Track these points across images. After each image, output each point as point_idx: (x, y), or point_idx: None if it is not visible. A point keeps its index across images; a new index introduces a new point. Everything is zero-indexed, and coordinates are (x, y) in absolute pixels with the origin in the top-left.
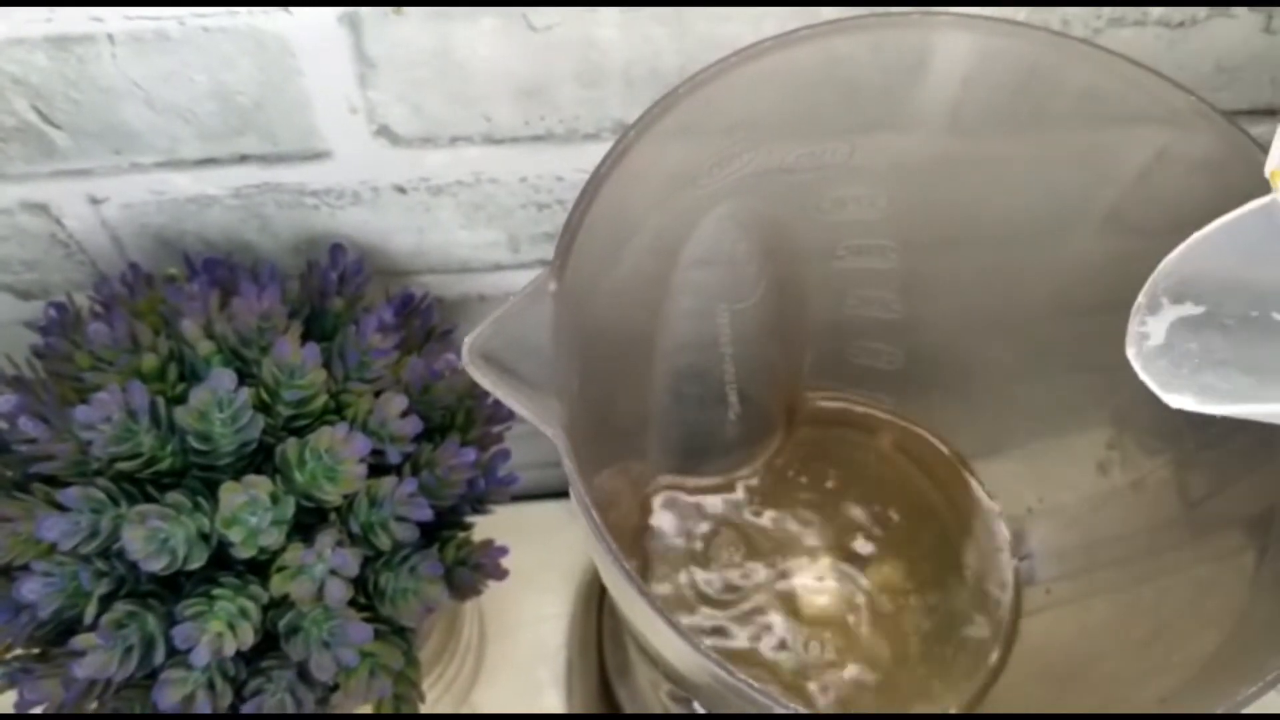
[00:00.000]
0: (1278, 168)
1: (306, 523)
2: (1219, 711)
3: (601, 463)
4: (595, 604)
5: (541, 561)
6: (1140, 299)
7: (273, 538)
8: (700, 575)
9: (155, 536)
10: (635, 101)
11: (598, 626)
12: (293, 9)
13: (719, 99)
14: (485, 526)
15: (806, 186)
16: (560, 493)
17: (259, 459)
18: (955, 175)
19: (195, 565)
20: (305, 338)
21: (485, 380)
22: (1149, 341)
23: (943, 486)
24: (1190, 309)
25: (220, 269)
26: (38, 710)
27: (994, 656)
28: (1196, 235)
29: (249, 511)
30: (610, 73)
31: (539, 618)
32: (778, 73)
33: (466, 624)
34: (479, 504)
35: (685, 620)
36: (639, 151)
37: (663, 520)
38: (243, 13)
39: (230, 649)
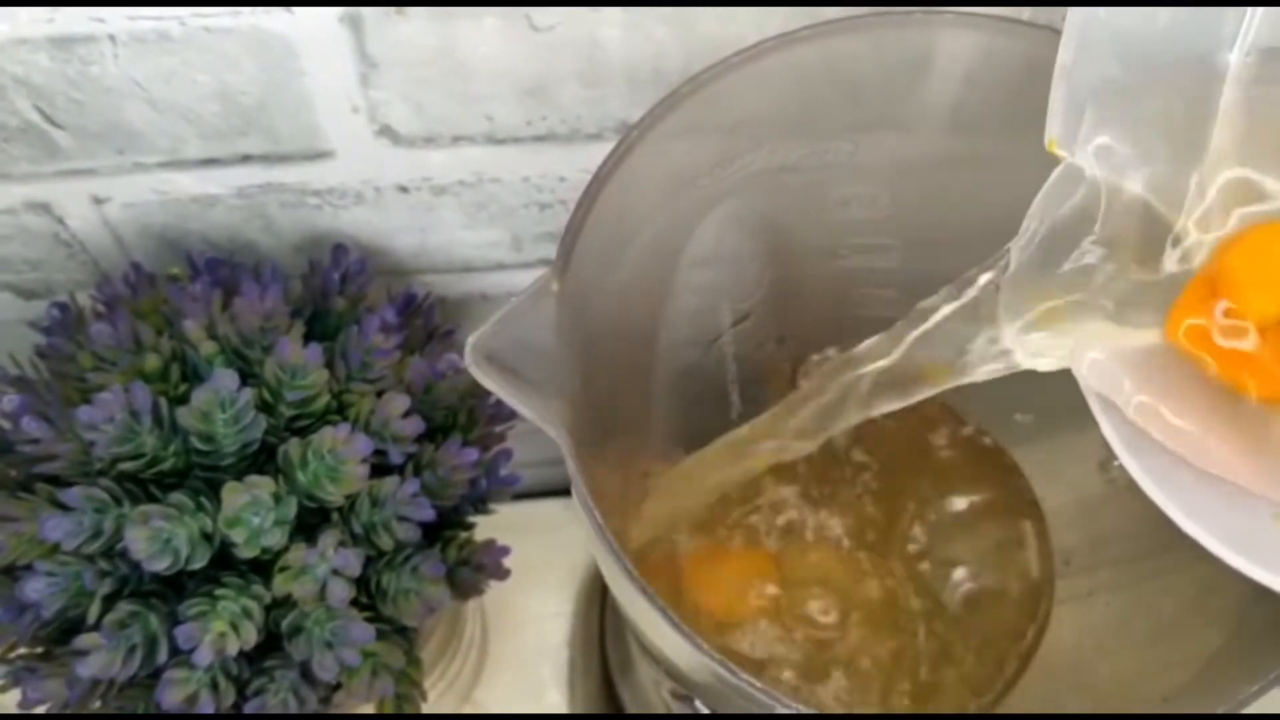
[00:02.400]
0: (1054, 137)
1: (309, 523)
2: (1221, 710)
3: (604, 462)
4: (597, 602)
5: (544, 559)
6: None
7: (275, 538)
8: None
9: (158, 536)
10: (638, 101)
11: (600, 624)
12: (294, 9)
13: (722, 99)
14: (487, 524)
15: (809, 186)
16: (562, 490)
17: (261, 459)
18: (958, 174)
19: (198, 565)
20: (307, 338)
21: (488, 381)
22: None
23: (948, 482)
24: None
25: (223, 269)
26: (41, 709)
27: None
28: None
29: (251, 512)
30: (612, 72)
31: (541, 615)
32: (780, 72)
33: (469, 622)
34: (481, 504)
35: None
36: (641, 151)
37: None
38: (245, 13)
39: (233, 649)
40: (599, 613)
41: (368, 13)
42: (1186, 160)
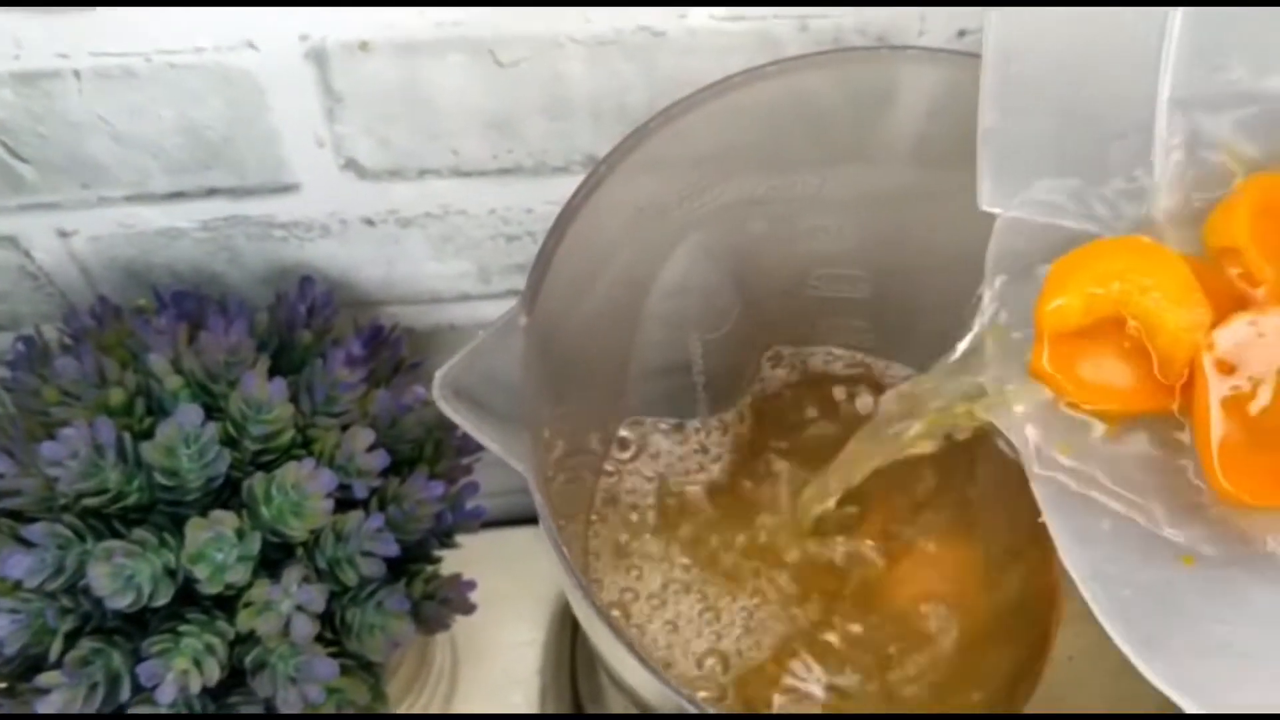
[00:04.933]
0: (986, 195)
1: (273, 558)
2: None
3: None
4: (569, 630)
5: (514, 588)
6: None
7: (239, 574)
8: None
9: (121, 573)
10: (603, 135)
11: (571, 653)
12: (259, 45)
13: (689, 132)
14: (456, 552)
15: (777, 218)
16: (532, 519)
17: (226, 494)
18: (923, 205)
19: (161, 602)
20: (273, 371)
21: (456, 415)
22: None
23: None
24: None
25: (189, 302)
26: None
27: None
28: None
29: (215, 547)
30: (577, 107)
31: (512, 644)
32: (746, 107)
33: (439, 651)
34: (447, 538)
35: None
36: (611, 184)
37: None
38: (209, 49)
39: (196, 686)
40: (570, 641)
41: (332, 48)
42: (1124, 194)
